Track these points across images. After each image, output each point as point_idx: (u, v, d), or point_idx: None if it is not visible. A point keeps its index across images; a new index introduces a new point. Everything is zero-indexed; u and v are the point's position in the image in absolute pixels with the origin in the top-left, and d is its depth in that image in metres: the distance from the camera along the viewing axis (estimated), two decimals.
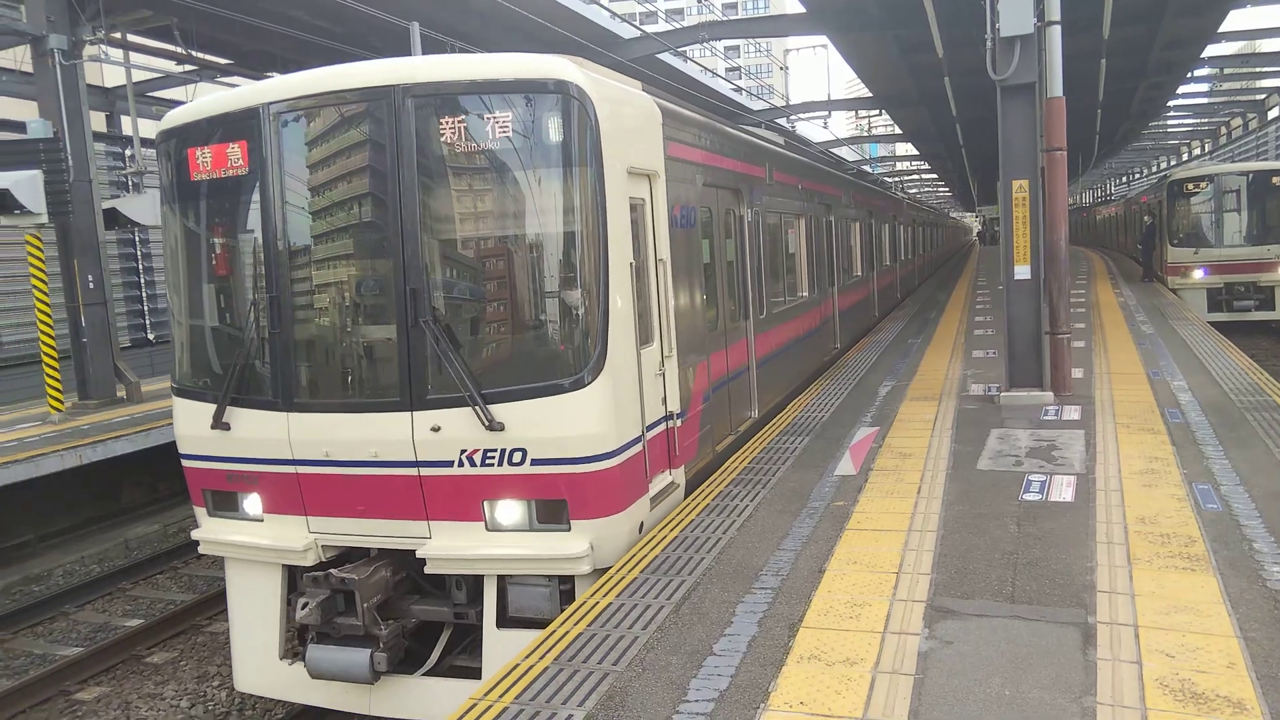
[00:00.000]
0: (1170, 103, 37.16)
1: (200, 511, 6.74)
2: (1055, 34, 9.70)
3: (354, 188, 5.97)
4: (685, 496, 7.06)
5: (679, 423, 6.89)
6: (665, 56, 22.54)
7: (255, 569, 6.51)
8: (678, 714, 3.97)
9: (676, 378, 6.86)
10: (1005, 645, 4.40)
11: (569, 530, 5.74)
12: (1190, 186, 22.82)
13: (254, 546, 6.38)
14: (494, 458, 5.67)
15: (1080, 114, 23.94)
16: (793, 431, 9.20)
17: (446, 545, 5.84)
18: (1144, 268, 26.04)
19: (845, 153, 42.41)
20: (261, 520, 6.41)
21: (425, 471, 5.84)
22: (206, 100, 6.57)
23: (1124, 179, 68.08)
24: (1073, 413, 9.30)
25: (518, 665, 4.47)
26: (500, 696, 4.18)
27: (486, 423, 5.59)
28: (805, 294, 12.46)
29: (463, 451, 5.73)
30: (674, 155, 7.18)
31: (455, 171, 5.84)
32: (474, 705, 4.12)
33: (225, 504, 6.60)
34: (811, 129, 37.00)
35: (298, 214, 6.05)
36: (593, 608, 5.11)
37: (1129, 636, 4.42)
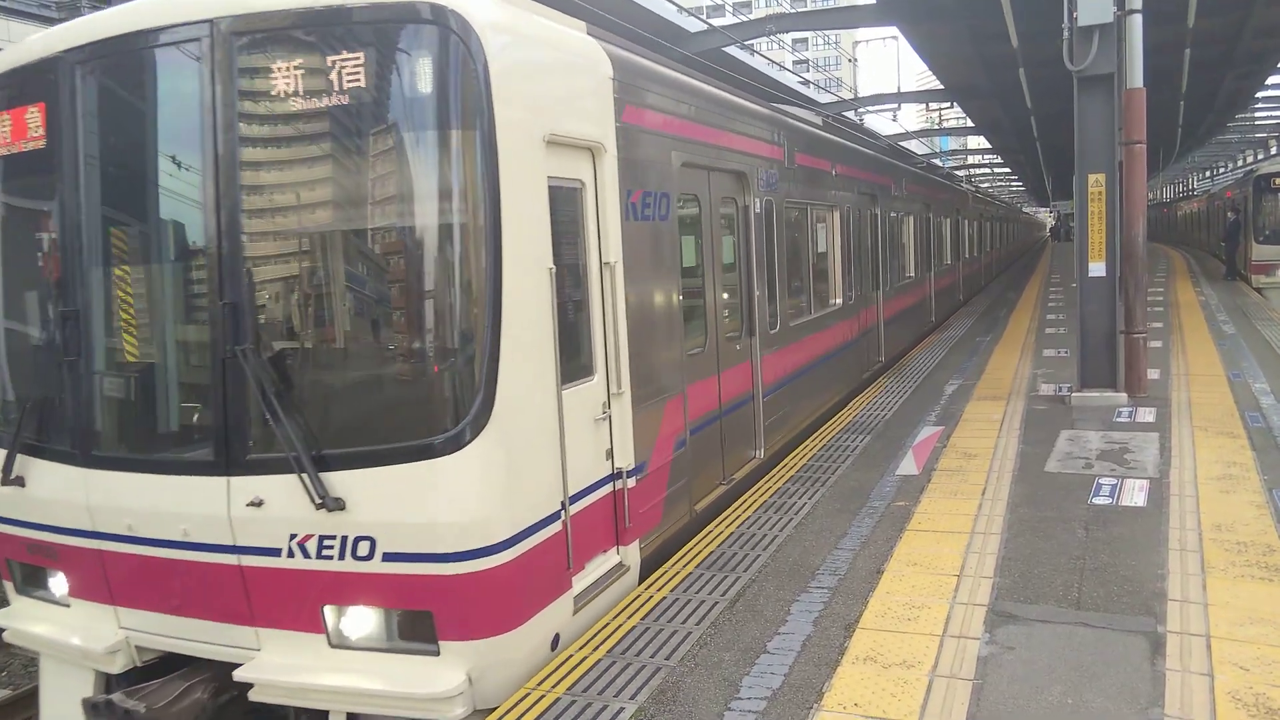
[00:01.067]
0: (1259, 94, 35.64)
1: (9, 586, 5.29)
2: (1136, 23, 9.39)
3: (161, 165, 4.45)
4: (641, 581, 5.43)
5: (633, 482, 5.28)
6: (732, 50, 22.38)
7: (65, 668, 4.97)
8: (729, 711, 3.95)
9: (630, 421, 5.29)
10: (1069, 652, 4.27)
11: (437, 655, 4.13)
12: (1278, 181, 21.88)
13: (56, 642, 4.86)
14: (333, 547, 4.09)
15: (1161, 106, 23.11)
16: (854, 430, 9.07)
17: (276, 664, 4.28)
18: (1226, 265, 25.08)
19: (915, 146, 41.65)
20: (69, 606, 4.90)
21: (247, 560, 4.26)
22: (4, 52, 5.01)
23: (1208, 173, 65.62)
24: (1147, 415, 9.00)
25: (571, 656, 4.50)
26: (553, 688, 4.21)
27: (318, 499, 3.99)
28: (838, 301, 10.83)
29: (293, 536, 4.14)
30: (634, 123, 5.52)
31: (289, 139, 4.24)
32: (526, 695, 4.16)
33: (33, 579, 5.12)
34: (881, 122, 36.44)
35: (100, 201, 4.57)
36: (646, 601, 5.11)
37: (1200, 647, 4.26)
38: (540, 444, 4.45)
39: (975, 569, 5.34)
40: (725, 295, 7.23)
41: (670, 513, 5.94)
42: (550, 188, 4.59)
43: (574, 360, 4.86)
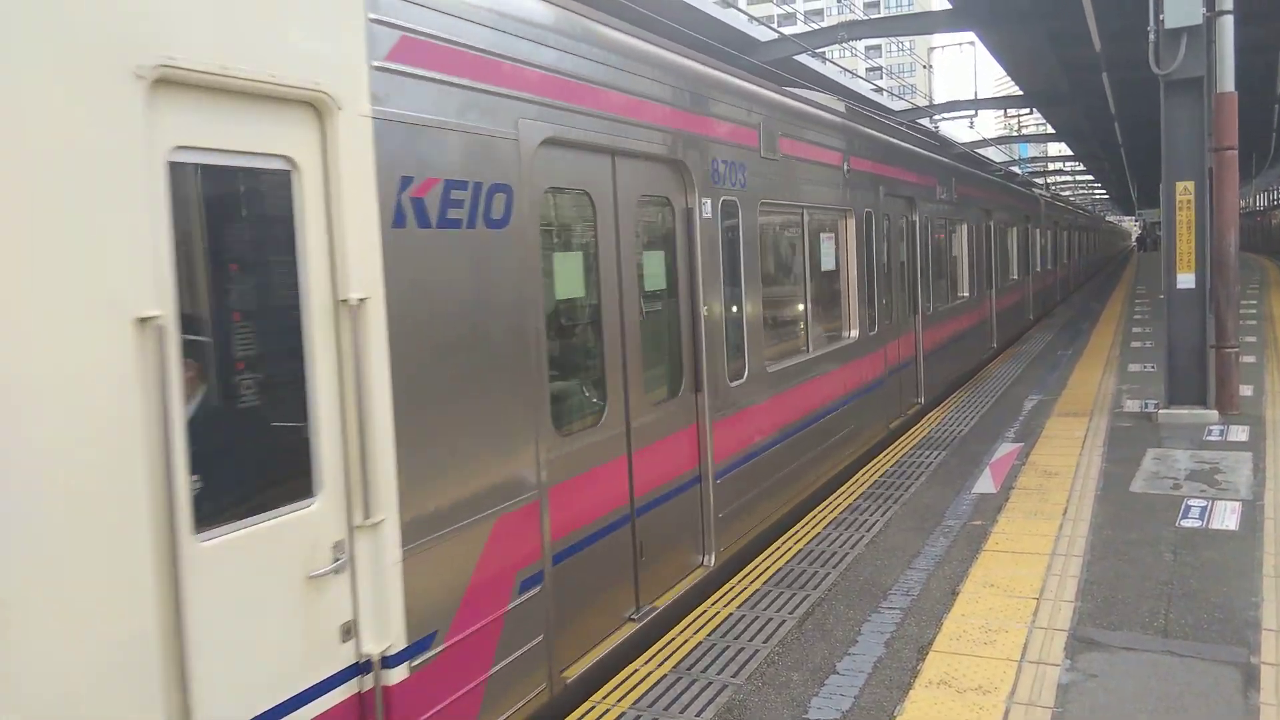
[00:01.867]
0: None
1: None
2: (1227, 24, 9.04)
3: None
4: None
5: (403, 670, 3.28)
6: (803, 58, 22.23)
7: None
8: None
9: (398, 569, 3.28)
10: (1155, 682, 4.09)
11: None
12: None
13: None
14: None
15: (1254, 110, 22.18)
16: (928, 445, 8.87)
17: None
18: None
19: (992, 153, 40.79)
20: None
21: None
22: None
23: None
24: (1239, 433, 8.61)
25: (636, 670, 4.47)
26: (617, 702, 4.19)
27: None
28: (853, 334, 8.49)
29: None
30: (421, 66, 3.48)
31: None
32: (592, 708, 4.14)
33: None
34: (957, 129, 35.78)
35: None
36: (713, 617, 5.06)
37: None
38: (103, 656, 2.40)
39: (1056, 592, 5.16)
40: (646, 336, 5.13)
41: (501, 698, 3.81)
42: (183, 168, 2.68)
43: (259, 474, 2.99)
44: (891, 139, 10.66)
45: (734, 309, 6.17)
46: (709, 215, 5.73)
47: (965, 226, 13.63)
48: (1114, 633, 4.62)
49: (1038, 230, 21.37)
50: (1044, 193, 28.04)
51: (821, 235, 8.00)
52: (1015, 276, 17.61)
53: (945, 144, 25.77)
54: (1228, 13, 8.98)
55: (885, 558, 5.85)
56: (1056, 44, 19.71)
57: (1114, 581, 5.26)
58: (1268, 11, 15.11)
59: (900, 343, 10.07)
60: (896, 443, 9.03)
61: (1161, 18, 9.00)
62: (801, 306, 7.59)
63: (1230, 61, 9.09)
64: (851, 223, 8.57)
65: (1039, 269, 21.17)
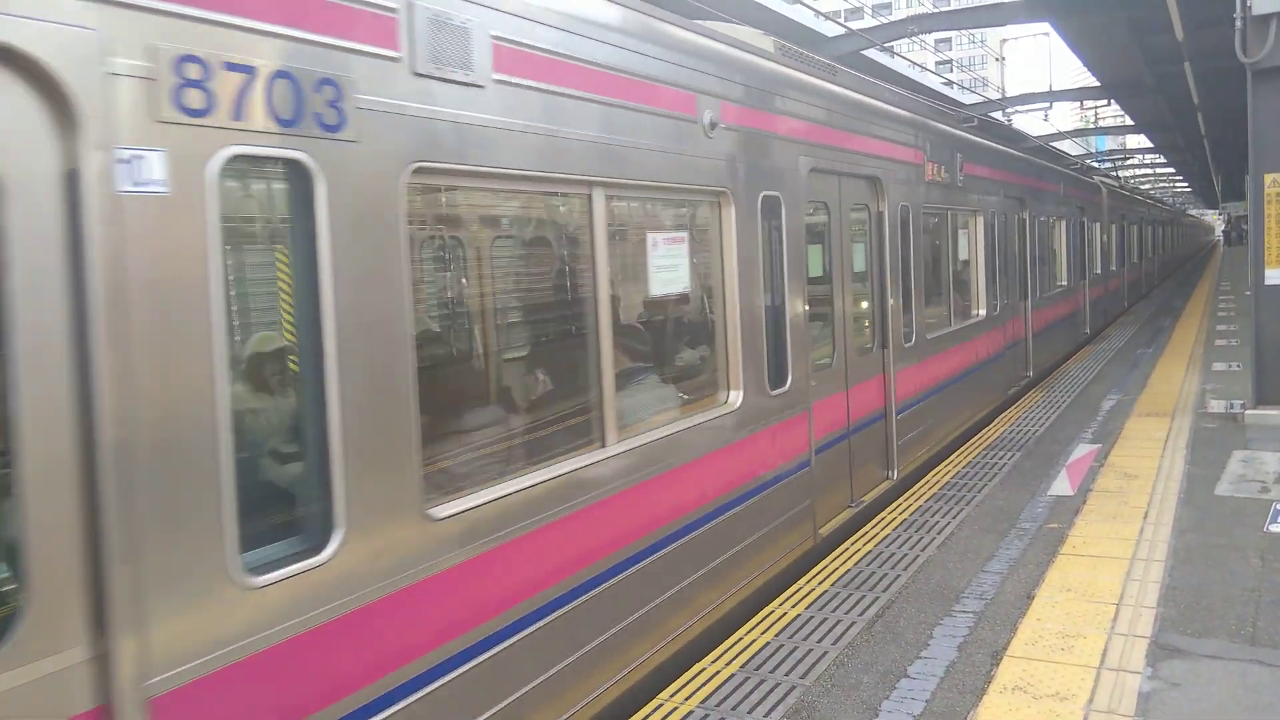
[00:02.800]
0: None
1: None
2: None
3: None
4: None
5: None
6: (871, 53, 21.92)
7: None
8: None
9: None
10: (1242, 692, 3.95)
11: None
12: None
13: None
14: None
15: None
16: (1001, 447, 8.69)
17: None
18: None
19: (1069, 146, 39.68)
20: None
21: None
22: None
23: None
24: None
25: (704, 669, 4.48)
26: (685, 700, 4.20)
27: None
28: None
29: None
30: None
31: None
32: (659, 705, 4.16)
33: None
34: (1031, 122, 34.92)
35: None
36: (781, 618, 5.04)
37: None
38: None
39: (1136, 598, 5.01)
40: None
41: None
42: None
43: None
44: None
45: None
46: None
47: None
48: (1199, 640, 4.47)
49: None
50: (1109, 180, 27.23)
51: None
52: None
53: (1018, 138, 25.18)
54: None
55: (957, 560, 5.75)
56: (1136, 33, 19.10)
57: (1198, 587, 5.09)
58: None
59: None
60: (972, 440, 8.86)
61: (1249, 4, 8.68)
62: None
63: None
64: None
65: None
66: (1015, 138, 24.86)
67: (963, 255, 10.07)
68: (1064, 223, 14.70)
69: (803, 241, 6.03)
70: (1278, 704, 3.84)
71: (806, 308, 6.07)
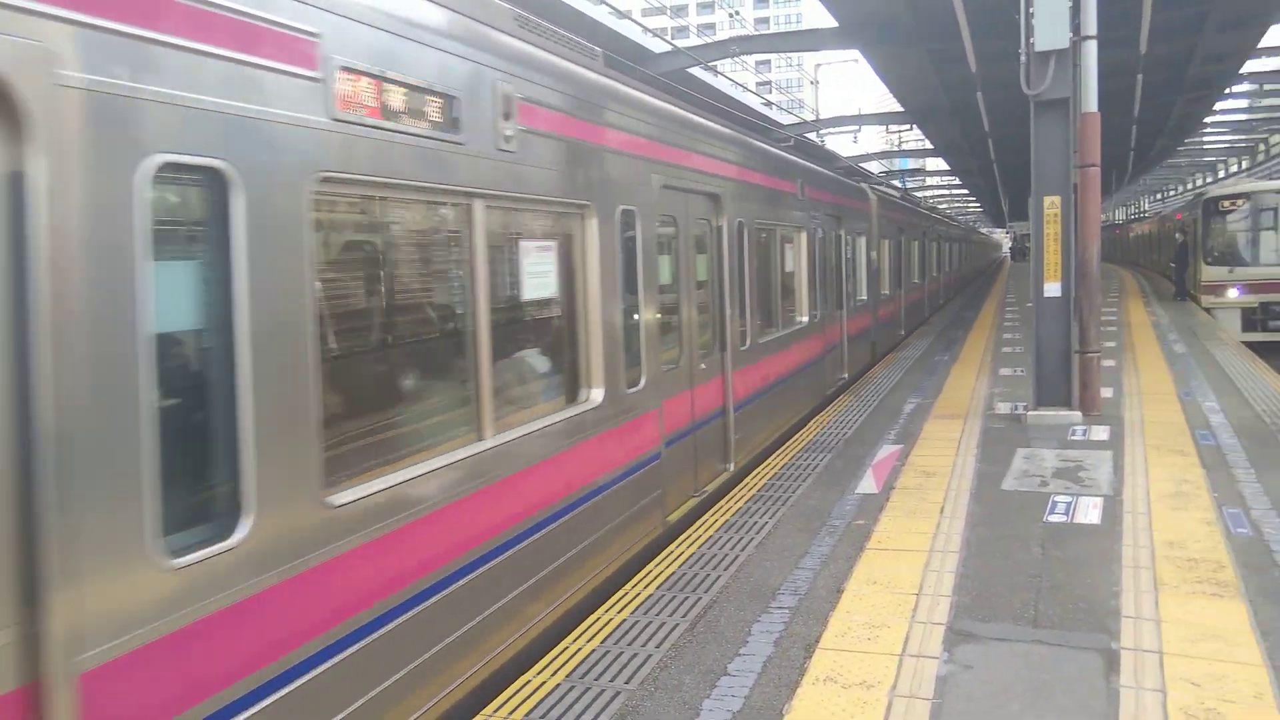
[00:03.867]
0: (1207, 119, 36.68)
1: None
2: (1091, 49, 9.61)
3: None
4: None
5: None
6: (696, 71, 22.57)
7: None
8: None
9: None
10: (1026, 671, 4.30)
11: None
12: (1226, 204, 22.43)
13: None
14: None
15: (1115, 130, 23.56)
16: (814, 449, 9.11)
17: None
18: (1176, 286, 25.69)
19: (874, 167, 42.22)
20: None
21: None
22: None
23: (1159, 196, 67.22)
24: (1101, 433, 9.14)
25: (529, 682, 4.44)
26: (509, 714, 4.15)
27: None
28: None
29: None
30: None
31: None
32: None
33: None
34: (842, 143, 36.90)
35: None
36: (605, 625, 5.07)
37: (1154, 664, 4.31)
38: None
39: (934, 587, 5.37)
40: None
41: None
42: None
43: None
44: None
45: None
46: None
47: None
48: (988, 625, 4.83)
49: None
50: (928, 210, 29.33)
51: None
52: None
53: (831, 158, 26.57)
54: (1092, 37, 9.56)
55: (774, 559, 5.98)
56: (936, 63, 20.59)
57: (987, 576, 5.51)
58: (1127, 38, 16.16)
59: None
60: (787, 444, 9.24)
61: (1032, 41, 9.51)
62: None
63: (1094, 83, 9.67)
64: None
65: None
66: (830, 158, 26.20)
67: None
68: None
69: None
70: (1056, 680, 4.21)
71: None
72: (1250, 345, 16.81)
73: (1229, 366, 13.08)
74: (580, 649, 4.77)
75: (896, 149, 50.47)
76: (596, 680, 4.42)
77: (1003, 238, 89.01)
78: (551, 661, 4.63)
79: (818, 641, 4.72)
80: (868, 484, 7.69)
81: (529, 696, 4.29)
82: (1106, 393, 10.83)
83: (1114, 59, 15.84)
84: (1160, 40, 17.68)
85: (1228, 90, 29.74)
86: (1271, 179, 35.93)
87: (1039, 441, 8.96)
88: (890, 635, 4.75)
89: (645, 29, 21.31)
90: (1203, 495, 6.90)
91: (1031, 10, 9.42)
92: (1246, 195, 22.58)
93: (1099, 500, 6.90)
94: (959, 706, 4.01)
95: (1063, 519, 6.52)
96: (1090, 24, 9.50)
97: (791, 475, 8.08)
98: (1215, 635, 4.58)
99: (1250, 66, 26.43)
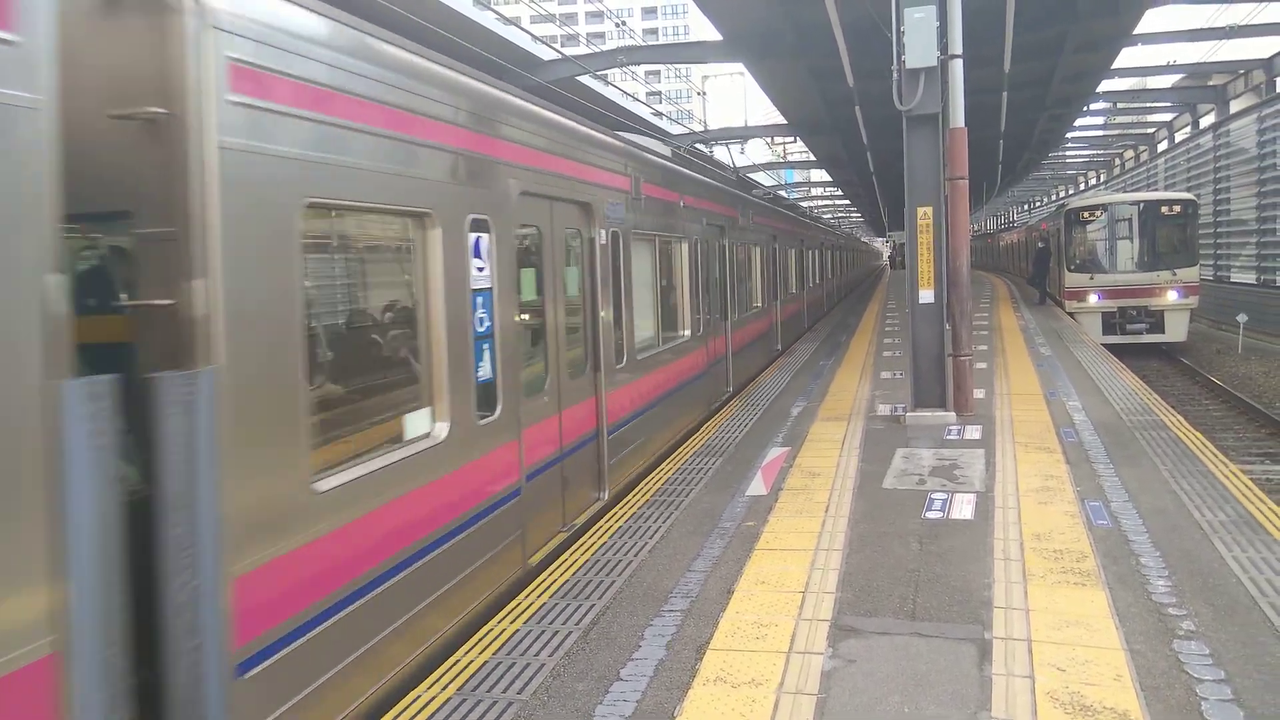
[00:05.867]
0: (1068, 135, 39.02)
1: None
2: (958, 67, 10.08)
3: None
4: None
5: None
6: (586, 80, 22.66)
7: None
8: None
9: None
10: (905, 662, 4.47)
11: None
12: (1086, 215, 23.88)
13: None
14: None
15: (983, 144, 24.88)
16: (706, 453, 9.25)
17: None
18: (1038, 289, 27.21)
19: (761, 178, 43.19)
20: None
21: None
22: None
23: (1025, 207, 70.93)
24: (974, 432, 9.58)
25: (420, 697, 4.37)
26: None
27: None
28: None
29: None
30: None
31: None
32: None
33: None
34: (729, 154, 37.59)
35: None
36: (500, 635, 5.03)
37: (1023, 651, 4.55)
38: None
39: (819, 585, 5.53)
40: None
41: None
42: None
43: None
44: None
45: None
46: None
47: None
48: (870, 619, 5.01)
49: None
50: (813, 220, 30.22)
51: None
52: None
53: (720, 169, 27.03)
54: (958, 57, 10.04)
55: (667, 562, 6.04)
56: (816, 78, 21.19)
57: (869, 572, 5.71)
58: (993, 57, 17.01)
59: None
60: (680, 449, 9.35)
61: (903, 59, 9.93)
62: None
63: (961, 100, 10.16)
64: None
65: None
66: (717, 168, 26.65)
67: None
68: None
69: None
70: (933, 670, 4.39)
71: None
72: (1110, 347, 17.91)
73: (1091, 368, 13.90)
74: (472, 661, 4.72)
75: (782, 160, 51.77)
76: (489, 692, 4.38)
77: (883, 246, 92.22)
78: (443, 675, 4.57)
79: (708, 642, 4.80)
80: (757, 486, 7.85)
81: (419, 711, 4.22)
82: (979, 394, 11.36)
83: (981, 77, 16.68)
84: (1023, 60, 18.69)
85: (1086, 108, 31.70)
86: (1127, 191, 38.43)
87: (917, 441, 9.32)
88: (778, 633, 4.87)
89: (534, 37, 21.30)
90: (1067, 490, 7.32)
91: (903, 29, 9.84)
92: (1104, 206, 24.08)
93: (972, 496, 7.24)
94: (843, 700, 4.14)
95: (939, 515, 6.81)
96: (957, 44, 9.99)
97: (685, 479, 8.18)
98: (1078, 622, 4.86)
99: (1106, 86, 28.23)
